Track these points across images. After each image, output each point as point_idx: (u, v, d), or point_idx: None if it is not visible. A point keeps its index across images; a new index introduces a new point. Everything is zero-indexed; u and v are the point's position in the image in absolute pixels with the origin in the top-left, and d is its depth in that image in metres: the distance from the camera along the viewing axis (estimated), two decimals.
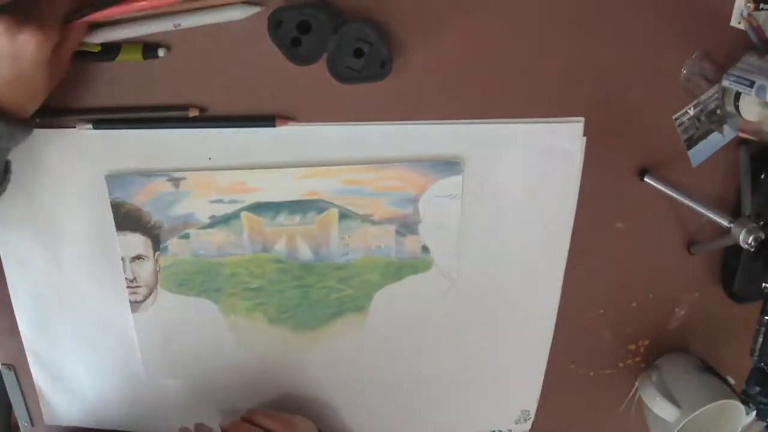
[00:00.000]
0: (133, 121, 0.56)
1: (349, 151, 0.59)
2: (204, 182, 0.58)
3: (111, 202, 0.59)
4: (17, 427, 0.71)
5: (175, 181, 0.58)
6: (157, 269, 0.62)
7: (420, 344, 0.67)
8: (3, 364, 0.67)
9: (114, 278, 0.62)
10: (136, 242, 0.60)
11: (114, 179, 0.58)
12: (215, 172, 0.58)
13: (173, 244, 0.61)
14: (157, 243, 0.61)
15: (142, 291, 0.62)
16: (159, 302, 0.63)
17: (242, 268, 0.62)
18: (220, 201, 0.59)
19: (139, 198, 0.59)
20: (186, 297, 0.63)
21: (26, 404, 0.69)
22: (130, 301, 0.62)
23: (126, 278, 0.62)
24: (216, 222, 0.60)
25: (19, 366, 0.67)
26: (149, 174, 0.58)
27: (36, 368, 0.66)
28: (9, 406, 0.70)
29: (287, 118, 0.57)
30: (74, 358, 0.65)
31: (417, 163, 0.59)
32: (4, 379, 0.68)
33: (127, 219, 0.59)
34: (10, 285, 0.63)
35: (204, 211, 0.60)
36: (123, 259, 0.61)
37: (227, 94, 0.56)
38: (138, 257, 0.61)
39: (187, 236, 0.60)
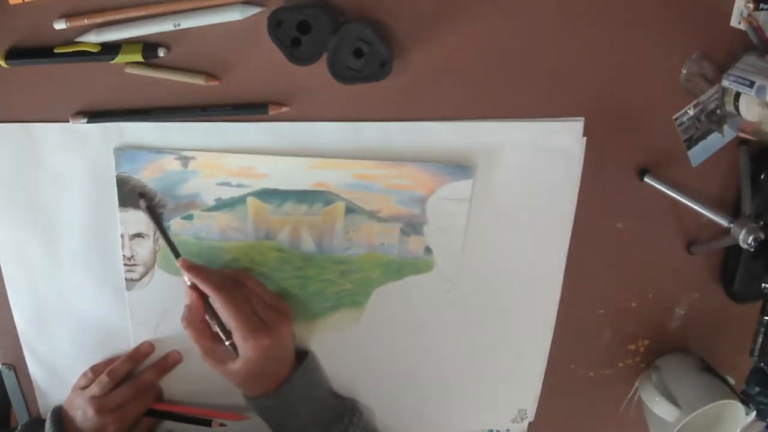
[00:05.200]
0: (129, 113, 0.56)
1: (350, 148, 0.59)
2: (213, 163, 0.58)
3: (117, 177, 0.58)
4: (17, 427, 0.71)
5: (184, 160, 0.58)
6: (157, 249, 0.61)
7: (415, 344, 0.67)
8: (3, 364, 0.67)
9: (113, 273, 0.62)
10: (138, 220, 0.60)
11: (122, 153, 0.57)
12: (225, 154, 0.58)
13: (175, 224, 0.60)
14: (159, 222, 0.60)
15: (139, 270, 0.62)
16: (155, 282, 0.62)
17: (243, 254, 0.62)
18: (228, 184, 0.59)
19: (146, 174, 0.58)
20: (183, 279, 0.62)
21: (26, 404, 0.69)
22: (125, 279, 0.62)
23: (123, 255, 0.61)
24: (221, 205, 0.60)
25: (19, 366, 0.67)
26: (159, 150, 0.58)
27: (33, 365, 0.66)
28: (9, 406, 0.70)
29: (280, 104, 0.57)
30: (71, 354, 0.65)
31: (429, 163, 0.59)
32: (4, 378, 0.68)
33: (131, 195, 0.59)
34: (7, 282, 0.63)
35: (210, 193, 0.59)
36: (122, 236, 0.60)
37: (227, 94, 0.57)
38: (138, 235, 0.60)
39: (190, 217, 0.60)
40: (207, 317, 0.58)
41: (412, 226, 0.62)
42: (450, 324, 0.67)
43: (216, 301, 0.56)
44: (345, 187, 0.60)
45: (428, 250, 0.63)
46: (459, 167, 0.60)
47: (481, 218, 0.62)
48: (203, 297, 0.58)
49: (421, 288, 0.65)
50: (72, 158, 0.58)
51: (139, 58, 0.53)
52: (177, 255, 0.59)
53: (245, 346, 0.56)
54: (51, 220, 0.60)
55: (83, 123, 0.56)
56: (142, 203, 0.59)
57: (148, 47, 0.53)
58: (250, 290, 0.59)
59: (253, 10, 0.52)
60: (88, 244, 0.61)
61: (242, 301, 0.57)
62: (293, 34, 0.52)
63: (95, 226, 0.60)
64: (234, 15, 0.52)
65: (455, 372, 0.70)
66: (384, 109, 0.58)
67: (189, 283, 0.58)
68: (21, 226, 0.60)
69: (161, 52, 0.53)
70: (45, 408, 0.68)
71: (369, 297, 0.65)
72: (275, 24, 0.51)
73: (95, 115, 0.56)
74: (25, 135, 0.57)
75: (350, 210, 0.61)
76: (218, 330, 0.58)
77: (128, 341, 0.64)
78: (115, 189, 0.59)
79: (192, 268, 0.58)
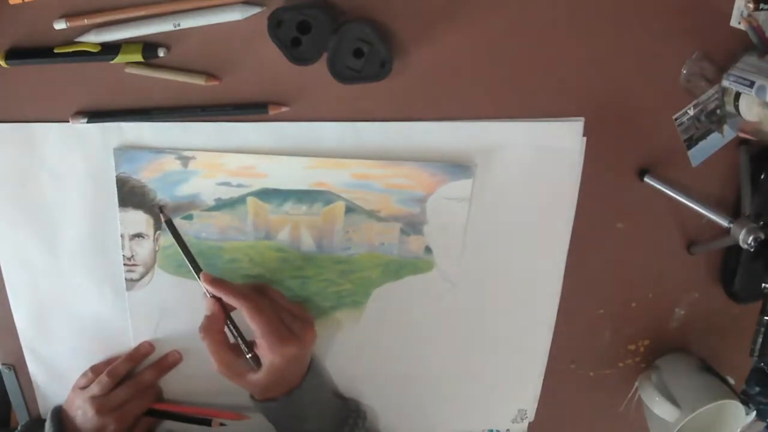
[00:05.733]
0: (129, 113, 0.56)
1: (350, 148, 0.59)
2: (213, 163, 0.58)
3: (116, 177, 0.58)
4: (17, 427, 0.71)
5: (184, 160, 0.58)
6: (156, 249, 0.61)
7: (415, 343, 0.67)
8: (3, 364, 0.67)
9: (112, 273, 0.62)
10: (138, 220, 0.60)
11: (122, 153, 0.57)
12: (225, 153, 0.58)
13: (175, 224, 0.60)
14: (158, 222, 0.60)
15: (139, 270, 0.62)
16: (155, 282, 0.62)
17: (243, 254, 0.62)
18: (228, 184, 0.59)
19: (145, 174, 0.58)
20: (183, 279, 0.62)
21: (26, 404, 0.69)
22: (125, 279, 0.62)
23: (123, 255, 0.61)
24: (221, 205, 0.60)
25: (19, 366, 0.67)
26: (158, 150, 0.58)
27: (33, 365, 0.66)
28: (8, 406, 0.70)
29: (279, 104, 0.57)
30: (71, 354, 0.65)
31: (429, 163, 0.59)
32: (4, 378, 0.68)
33: (131, 195, 0.59)
34: (7, 282, 0.63)
35: (210, 193, 0.59)
36: (122, 236, 0.60)
37: (227, 94, 0.57)
38: (138, 235, 0.60)
39: (190, 217, 0.60)
40: (227, 329, 0.58)
41: (412, 226, 0.62)
42: (450, 324, 0.67)
43: (243, 311, 0.55)
44: (345, 186, 0.60)
45: (428, 249, 0.63)
46: (459, 167, 0.60)
47: (481, 218, 0.62)
48: (225, 309, 0.58)
49: (421, 288, 0.65)
50: (72, 158, 0.58)
51: (139, 58, 0.53)
52: (198, 270, 0.58)
53: (272, 356, 0.55)
54: (51, 220, 0.60)
55: (83, 123, 0.56)
56: (163, 217, 0.59)
57: (148, 47, 0.53)
58: (275, 300, 0.59)
59: (253, 10, 0.52)
60: (88, 243, 0.61)
61: (269, 310, 0.56)
62: (293, 34, 0.51)
63: (95, 225, 0.60)
64: (234, 15, 0.52)
65: (455, 372, 0.70)
66: (384, 109, 0.58)
67: (209, 294, 0.58)
68: (21, 226, 0.60)
69: (161, 52, 0.53)
70: (45, 408, 0.68)
71: (369, 297, 0.65)
72: (275, 24, 0.51)
73: (95, 115, 0.56)
74: (25, 135, 0.57)
75: (350, 209, 0.61)
76: (240, 342, 0.57)
77: (128, 341, 0.64)
78: (115, 189, 0.59)
79: (214, 281, 0.57)
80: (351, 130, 0.58)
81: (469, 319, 0.67)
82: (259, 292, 0.59)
